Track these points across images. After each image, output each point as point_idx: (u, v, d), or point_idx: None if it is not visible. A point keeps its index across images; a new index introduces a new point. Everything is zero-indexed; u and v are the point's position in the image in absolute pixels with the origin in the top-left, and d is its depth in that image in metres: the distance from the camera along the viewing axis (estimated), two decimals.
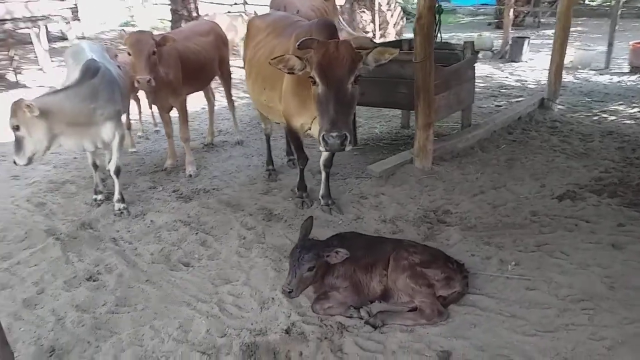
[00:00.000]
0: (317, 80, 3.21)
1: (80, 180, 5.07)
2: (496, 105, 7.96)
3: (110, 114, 4.06)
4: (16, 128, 3.73)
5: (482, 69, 11.24)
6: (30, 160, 3.84)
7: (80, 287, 3.35)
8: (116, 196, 4.36)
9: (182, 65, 4.99)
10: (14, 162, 3.86)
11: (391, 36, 13.89)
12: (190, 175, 5.12)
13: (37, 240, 3.93)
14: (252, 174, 5.20)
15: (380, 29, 13.77)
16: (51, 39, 13.08)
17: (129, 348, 2.79)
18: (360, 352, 2.70)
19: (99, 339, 2.87)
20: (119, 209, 4.33)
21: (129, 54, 4.41)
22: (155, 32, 4.97)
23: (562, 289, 3.11)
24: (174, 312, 3.07)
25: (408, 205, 4.35)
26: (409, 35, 15.73)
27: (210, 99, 6.15)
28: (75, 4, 11.07)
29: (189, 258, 3.68)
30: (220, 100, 6.78)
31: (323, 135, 3.13)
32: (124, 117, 5.84)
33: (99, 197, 4.56)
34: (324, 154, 4.26)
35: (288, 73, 3.36)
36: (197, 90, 5.67)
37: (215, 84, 6.52)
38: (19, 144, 3.79)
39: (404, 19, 14.53)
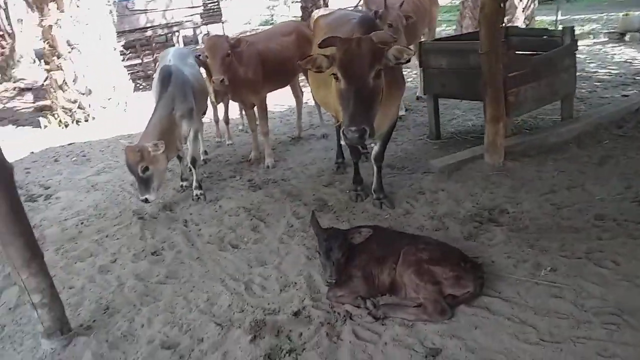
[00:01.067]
0: (339, 76, 3.31)
1: (178, 168, 5.77)
2: (622, 95, 7.11)
3: (185, 112, 4.61)
4: (145, 169, 4.24)
5: (623, 52, 10.06)
6: (158, 191, 4.47)
7: (145, 260, 3.92)
8: (194, 184, 4.93)
9: (262, 64, 5.38)
10: (145, 201, 4.33)
11: (519, 21, 12.97)
12: (268, 167, 5.52)
13: (126, 219, 4.65)
14: (323, 166, 5.43)
15: (507, 14, 12.93)
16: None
17: (162, 314, 3.24)
18: (354, 340, 2.79)
19: (143, 304, 3.36)
20: (197, 195, 4.88)
21: (206, 57, 4.92)
22: None
23: (592, 299, 2.84)
24: (208, 287, 3.46)
25: (464, 203, 4.22)
26: (545, 17, 14.62)
27: (298, 95, 6.50)
28: (208, 9, 12.26)
29: (239, 241, 4.05)
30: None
31: (343, 130, 3.23)
32: (220, 114, 6.47)
33: (185, 183, 5.18)
34: (375, 149, 4.32)
35: (316, 72, 3.51)
36: (279, 88, 6.05)
37: None
38: (147, 182, 4.27)
39: (536, 1, 13.43)
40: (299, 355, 2.74)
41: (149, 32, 10.28)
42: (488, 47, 4.38)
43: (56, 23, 8.00)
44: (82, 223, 4.70)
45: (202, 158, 5.98)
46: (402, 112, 7.04)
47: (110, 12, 8.73)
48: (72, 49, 8.13)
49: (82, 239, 4.37)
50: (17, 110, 10.42)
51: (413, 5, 6.94)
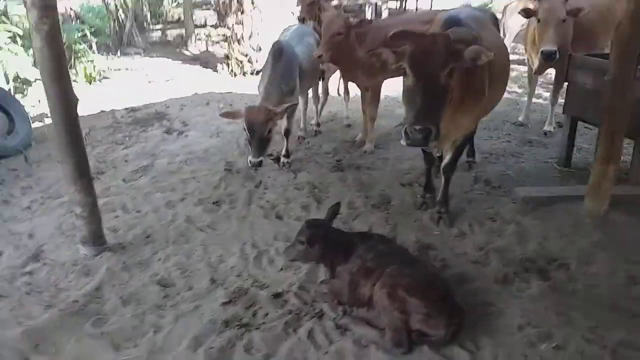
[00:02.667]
0: (408, 71, 3.12)
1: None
2: None
3: (288, 90, 4.84)
4: (269, 131, 4.48)
5: None
6: None
7: (203, 206, 4.36)
8: (283, 152, 5.21)
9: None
10: (259, 164, 4.48)
11: None
12: (365, 152, 5.51)
13: (219, 168, 5.16)
14: (418, 164, 5.17)
15: None
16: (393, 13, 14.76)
17: (180, 255, 3.63)
18: (304, 338, 2.79)
19: (175, 242, 3.81)
20: (282, 163, 5.17)
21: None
22: None
23: None
24: (229, 245, 3.74)
25: (528, 244, 3.70)
26: None
27: None
28: None
29: (284, 213, 4.22)
30: None
31: (406, 128, 3.03)
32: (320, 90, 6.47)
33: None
34: (446, 159, 4.02)
35: (381, 67, 3.38)
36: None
37: None
38: (265, 145, 4.50)
39: None
40: (248, 331, 2.86)
41: (335, 2, 10.68)
42: (615, 73, 3.65)
43: None
44: (185, 161, 5.37)
45: (314, 129, 6.22)
46: (549, 128, 6.27)
47: None
48: (254, 7, 8.98)
49: (175, 175, 5.02)
50: (213, 54, 11.92)
51: (596, 10, 5.96)
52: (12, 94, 6.81)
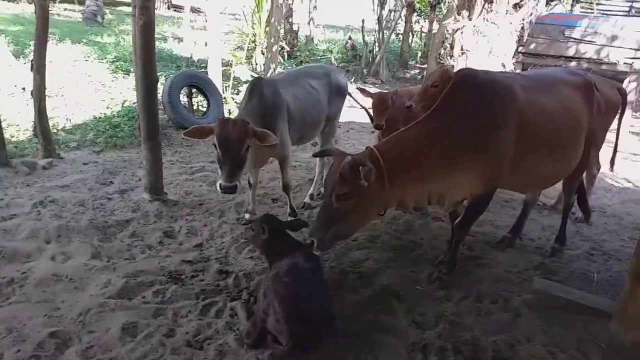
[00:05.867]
0: None
1: None
2: None
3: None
4: (247, 149, 3.61)
5: None
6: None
7: (265, 192, 5.02)
8: (288, 210, 4.59)
9: None
10: (231, 190, 3.57)
11: None
12: None
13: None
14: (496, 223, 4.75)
15: None
16: None
17: (202, 221, 4.42)
18: (199, 307, 3.19)
19: (210, 214, 4.59)
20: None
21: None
22: None
23: None
24: (237, 225, 4.37)
25: (498, 335, 3.17)
26: None
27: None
28: None
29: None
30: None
31: None
32: None
33: (247, 216, 4.53)
34: (459, 218, 3.73)
35: None
36: None
37: None
38: (238, 166, 3.60)
39: None
40: (172, 284, 3.41)
41: (573, 63, 9.63)
42: None
43: (460, 29, 9.03)
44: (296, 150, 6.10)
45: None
46: None
47: (521, 29, 9.03)
48: (462, 53, 9.03)
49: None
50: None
51: None
52: (226, 87, 8.69)
